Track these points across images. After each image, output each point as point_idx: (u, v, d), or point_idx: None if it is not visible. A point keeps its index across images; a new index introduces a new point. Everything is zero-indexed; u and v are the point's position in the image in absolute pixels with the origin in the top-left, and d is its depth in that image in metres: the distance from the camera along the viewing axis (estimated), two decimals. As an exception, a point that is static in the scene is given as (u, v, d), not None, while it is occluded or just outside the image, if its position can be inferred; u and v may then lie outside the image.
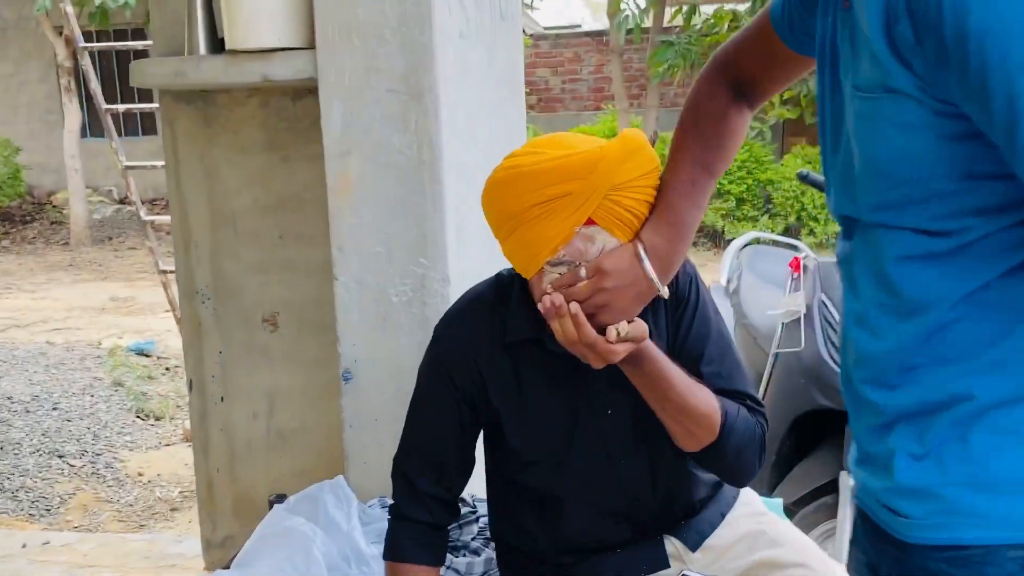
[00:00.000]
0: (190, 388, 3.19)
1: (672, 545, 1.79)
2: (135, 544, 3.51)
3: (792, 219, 10.24)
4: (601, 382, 1.67)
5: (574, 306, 1.47)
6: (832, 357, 2.65)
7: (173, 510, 4.02)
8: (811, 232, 10.04)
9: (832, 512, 2.67)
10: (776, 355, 2.83)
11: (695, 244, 9.77)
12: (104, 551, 3.46)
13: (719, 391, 1.64)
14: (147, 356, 6.14)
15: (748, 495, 1.92)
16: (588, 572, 1.75)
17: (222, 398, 3.17)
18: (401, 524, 1.78)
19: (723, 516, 1.83)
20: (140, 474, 4.33)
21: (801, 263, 2.84)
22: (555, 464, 1.73)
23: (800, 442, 2.86)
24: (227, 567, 2.05)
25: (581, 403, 1.70)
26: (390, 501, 2.25)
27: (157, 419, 5.01)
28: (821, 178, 2.78)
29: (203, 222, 3.08)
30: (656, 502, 1.77)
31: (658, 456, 1.75)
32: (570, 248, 1.47)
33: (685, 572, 1.72)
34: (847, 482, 2.61)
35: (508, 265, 1.71)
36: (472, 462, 1.82)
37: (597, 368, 1.52)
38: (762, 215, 10.43)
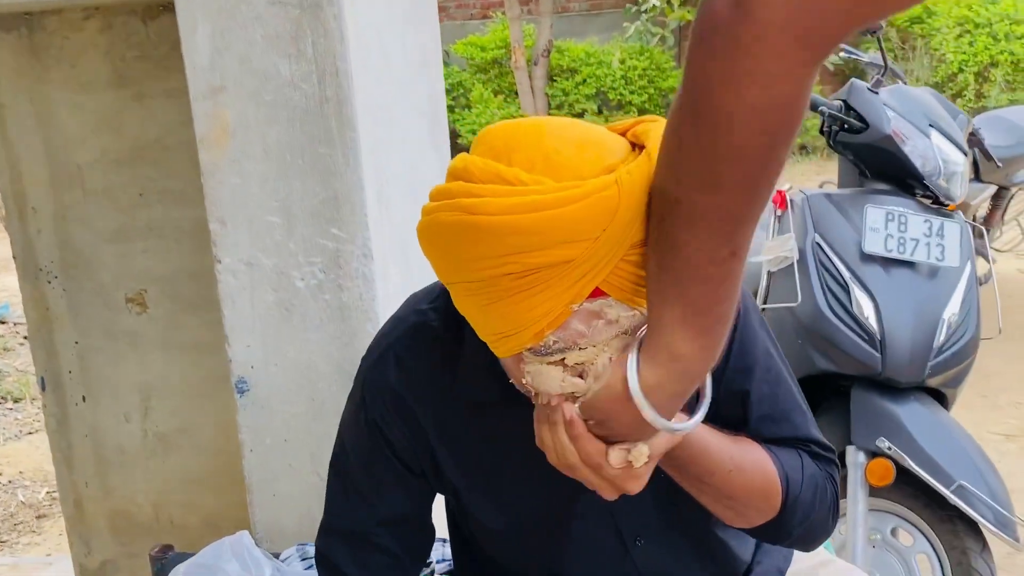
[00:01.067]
0: (43, 387, 2.59)
1: None
2: (-8, 572, 2.91)
3: (695, 128, 9.82)
4: None
5: (569, 409, 0.98)
6: (833, 310, 2.20)
7: (40, 517, 3.40)
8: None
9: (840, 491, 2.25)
10: (762, 310, 2.36)
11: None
12: (-47, 585, 2.85)
13: (774, 441, 1.20)
14: (2, 323, 5.37)
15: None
16: None
17: (84, 397, 2.58)
18: None
19: (782, 573, 1.36)
20: (-2, 473, 3.68)
21: (786, 197, 2.36)
22: (546, 550, 1.24)
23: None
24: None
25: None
26: (312, 550, 1.74)
27: (16, 401, 4.29)
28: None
29: (41, 181, 2.44)
30: None
31: (690, 531, 1.27)
32: (565, 332, 0.96)
33: None
34: (857, 459, 2.20)
35: None
36: (431, 533, 1.32)
37: (609, 499, 1.03)
38: (664, 125, 9.97)
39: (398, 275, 1.82)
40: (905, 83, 4.12)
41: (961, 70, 9.13)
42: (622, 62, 9.95)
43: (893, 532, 2.26)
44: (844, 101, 2.34)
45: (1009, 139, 4.58)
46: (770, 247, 2.33)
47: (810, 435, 1.25)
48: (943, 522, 2.16)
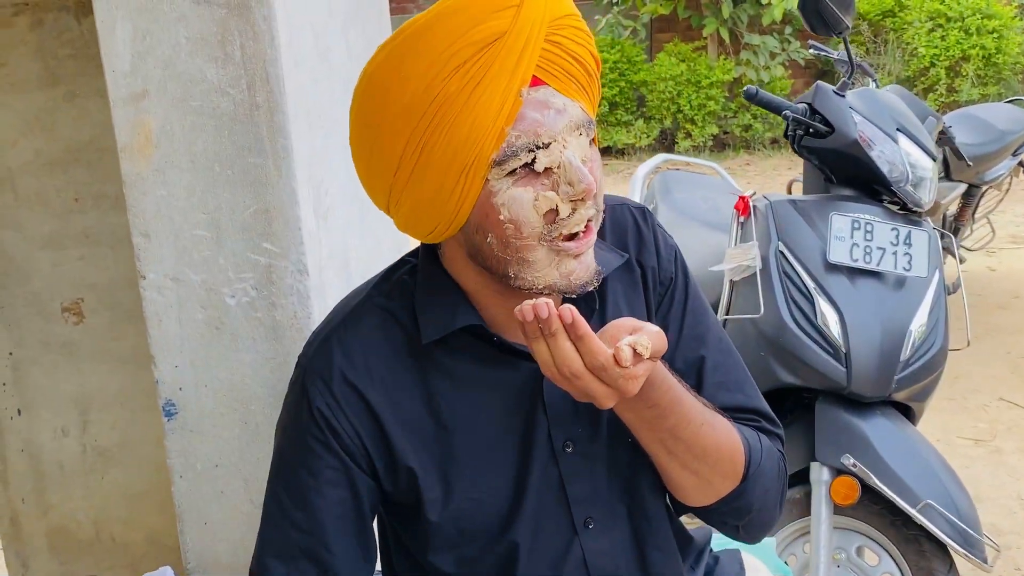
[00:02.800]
0: (-25, 400, 2.47)
1: None
2: (-73, 592, 2.78)
3: (668, 122, 9.73)
4: (557, 404, 1.14)
5: (568, 310, 0.96)
6: (797, 322, 2.13)
7: (-18, 531, 3.28)
8: (688, 135, 9.57)
9: (804, 509, 2.19)
10: (724, 321, 2.28)
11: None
12: None
13: (726, 409, 1.21)
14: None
15: (754, 568, 1.37)
16: None
17: (19, 411, 2.47)
18: None
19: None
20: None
21: (749, 204, 2.28)
22: (491, 544, 1.16)
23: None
24: None
25: (530, 441, 1.15)
26: (244, 585, 1.65)
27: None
28: (773, 97, 2.20)
29: (-31, 184, 2.32)
30: None
31: (643, 519, 1.21)
32: (522, 124, 1.01)
33: None
34: (821, 475, 2.13)
35: (397, 238, 1.35)
36: (374, 553, 1.22)
37: (605, 407, 1.01)
38: (636, 119, 9.89)
39: (338, 289, 1.72)
40: (876, 80, 4.05)
41: (933, 64, 9.11)
42: (594, 55, 9.85)
43: (858, 551, 2.20)
44: (809, 104, 2.26)
45: (980, 137, 4.54)
46: (732, 255, 2.25)
47: (761, 407, 1.27)
48: (909, 542, 2.10)
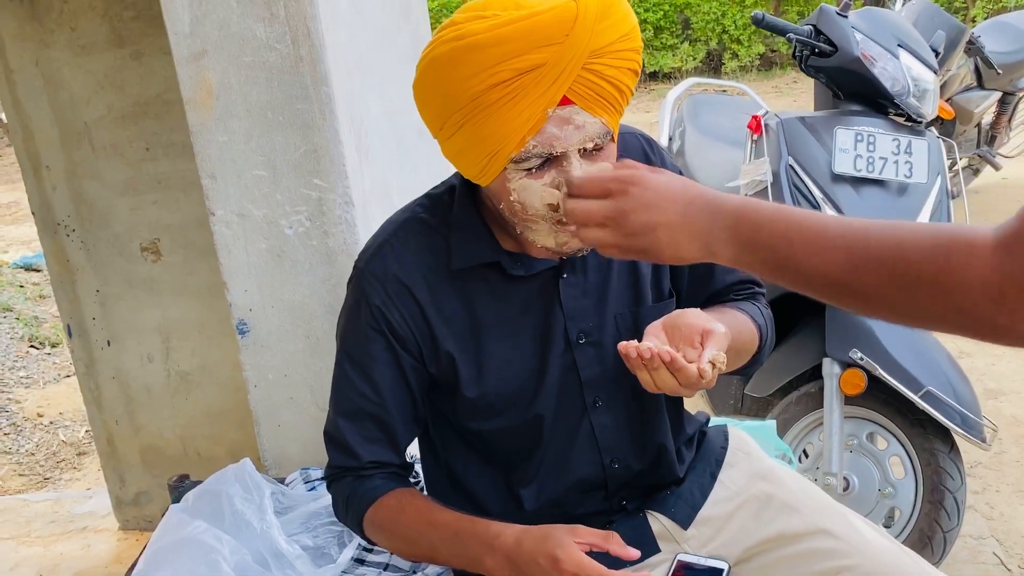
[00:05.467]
0: (69, 334, 2.77)
1: (659, 523, 1.45)
2: (38, 506, 3.12)
3: (714, 43, 9.74)
4: (574, 304, 1.36)
5: (667, 352, 1.16)
6: (806, 231, 2.29)
7: (80, 454, 3.61)
8: (735, 55, 9.58)
9: (816, 402, 2.38)
10: (740, 232, 2.46)
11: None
12: (2, 518, 3.06)
13: (731, 284, 1.49)
14: (38, 271, 5.56)
15: (739, 439, 1.58)
16: None
17: (108, 342, 2.76)
18: (350, 480, 1.41)
19: (714, 477, 1.50)
20: (40, 415, 3.87)
21: (762, 122, 2.44)
22: (520, 415, 1.38)
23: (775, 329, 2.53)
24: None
25: (549, 335, 1.36)
26: (315, 472, 1.90)
27: (54, 346, 4.48)
28: (778, 20, 2.35)
29: (51, 140, 2.59)
30: (638, 464, 1.44)
31: (645, 399, 1.42)
32: (542, 136, 1.17)
33: (680, 557, 1.39)
34: (832, 370, 2.31)
35: (433, 171, 1.42)
36: (422, 421, 1.45)
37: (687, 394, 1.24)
38: (682, 42, 9.91)
39: (381, 218, 1.92)
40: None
41: (980, -30, 8.97)
42: (636, -21, 9.86)
43: (869, 437, 2.38)
44: (814, 26, 2.40)
45: (1011, 45, 4.57)
46: (746, 171, 2.42)
47: (753, 277, 1.49)
48: (914, 426, 2.28)
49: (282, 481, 1.86)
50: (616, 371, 1.38)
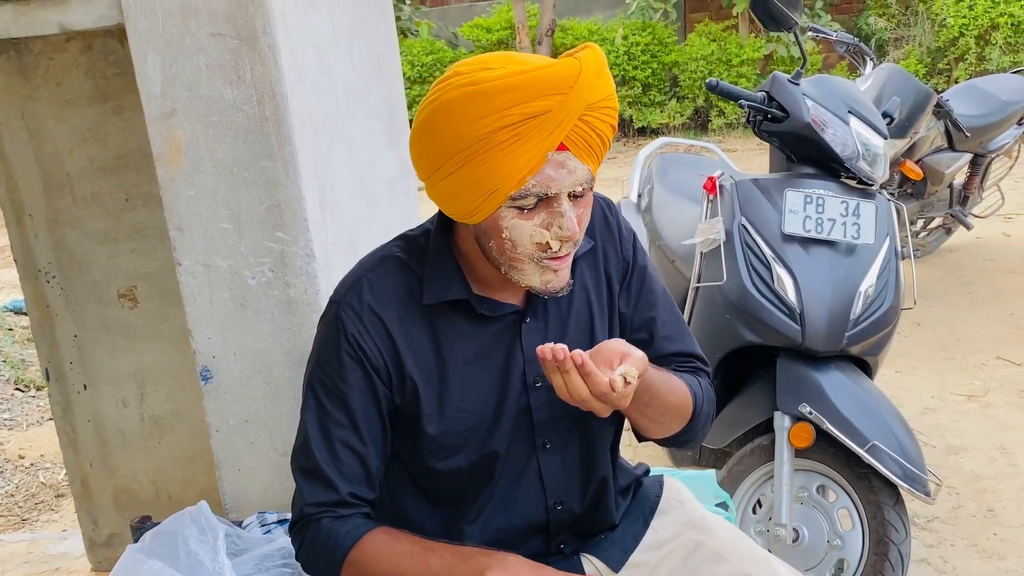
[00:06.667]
0: (47, 378, 2.83)
1: (592, 566, 1.53)
2: (14, 546, 3.17)
3: (700, 101, 9.93)
4: (534, 346, 1.42)
5: (579, 354, 1.27)
6: (756, 287, 2.39)
7: (59, 496, 3.65)
8: (721, 113, 9.76)
9: (768, 454, 2.44)
10: (696, 289, 2.55)
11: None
12: (-22, 558, 3.11)
13: (671, 355, 1.58)
14: (26, 315, 5.63)
15: (673, 488, 1.65)
16: None
17: (85, 386, 2.82)
18: (328, 521, 1.43)
19: (647, 524, 1.57)
20: (21, 456, 3.92)
21: (717, 183, 2.54)
22: (475, 452, 1.46)
23: (728, 382, 2.61)
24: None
25: (508, 376, 1.46)
26: (271, 517, 1.97)
27: (39, 389, 4.53)
28: (733, 87, 2.46)
29: (35, 189, 2.68)
30: (579, 507, 1.53)
31: (592, 445, 1.53)
32: (541, 177, 1.29)
33: None
34: (782, 423, 2.38)
35: (405, 223, 1.53)
36: (388, 457, 1.50)
37: (602, 416, 1.33)
38: (669, 99, 10.10)
39: (343, 270, 2.01)
40: (874, 61, 4.26)
41: (962, 34, 9.18)
42: (625, 38, 10.08)
43: (819, 490, 2.45)
44: (767, 92, 2.51)
45: (981, 108, 4.71)
46: (701, 230, 2.51)
47: (696, 351, 1.61)
48: (861, 479, 2.34)
49: (239, 524, 1.92)
50: (566, 416, 1.48)
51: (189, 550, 1.73)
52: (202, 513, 1.79)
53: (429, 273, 1.43)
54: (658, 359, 1.55)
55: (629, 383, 1.28)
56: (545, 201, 1.30)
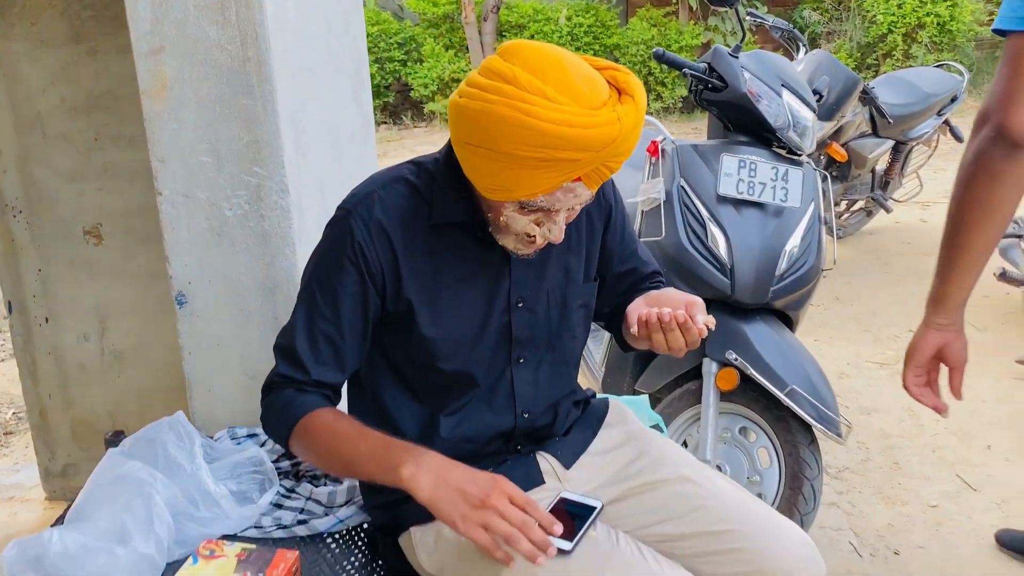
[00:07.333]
0: (9, 310, 2.92)
1: (546, 462, 1.71)
2: (-35, 477, 3.25)
3: (640, 84, 10.14)
4: (519, 273, 1.63)
5: (680, 315, 1.50)
6: (693, 245, 2.58)
7: (7, 434, 3.73)
8: (658, 97, 10.00)
9: (696, 398, 2.65)
10: (637, 244, 2.74)
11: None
12: (-70, 489, 3.18)
13: (647, 276, 1.84)
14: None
15: (617, 407, 1.85)
16: None
17: (47, 319, 2.92)
18: (291, 392, 1.60)
19: (595, 432, 1.76)
20: (-32, 395, 3.99)
21: (659, 147, 2.73)
22: (460, 361, 1.62)
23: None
24: (63, 514, 1.86)
25: (495, 296, 1.63)
26: (241, 431, 2.11)
27: (-3, 325, 4.61)
28: (678, 57, 2.64)
29: (6, 126, 2.77)
30: (542, 419, 1.72)
31: (559, 363, 1.72)
32: (550, 198, 1.44)
33: (564, 495, 1.64)
34: (710, 368, 2.59)
35: (367, 173, 1.62)
36: (364, 356, 1.66)
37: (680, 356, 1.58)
38: (610, 81, 10.28)
39: (314, 208, 2.17)
40: (805, 46, 4.49)
41: (890, 31, 9.54)
42: (568, 19, 10.25)
43: (741, 431, 2.66)
44: (708, 64, 2.71)
45: (904, 98, 4.97)
46: (643, 189, 2.71)
47: (658, 268, 1.89)
48: (780, 421, 2.56)
49: (211, 438, 2.06)
50: (540, 336, 1.67)
51: (168, 454, 1.86)
52: (179, 422, 1.93)
53: (439, 195, 1.57)
54: (639, 281, 1.79)
55: (711, 329, 1.53)
56: (546, 211, 1.48)
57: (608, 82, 1.41)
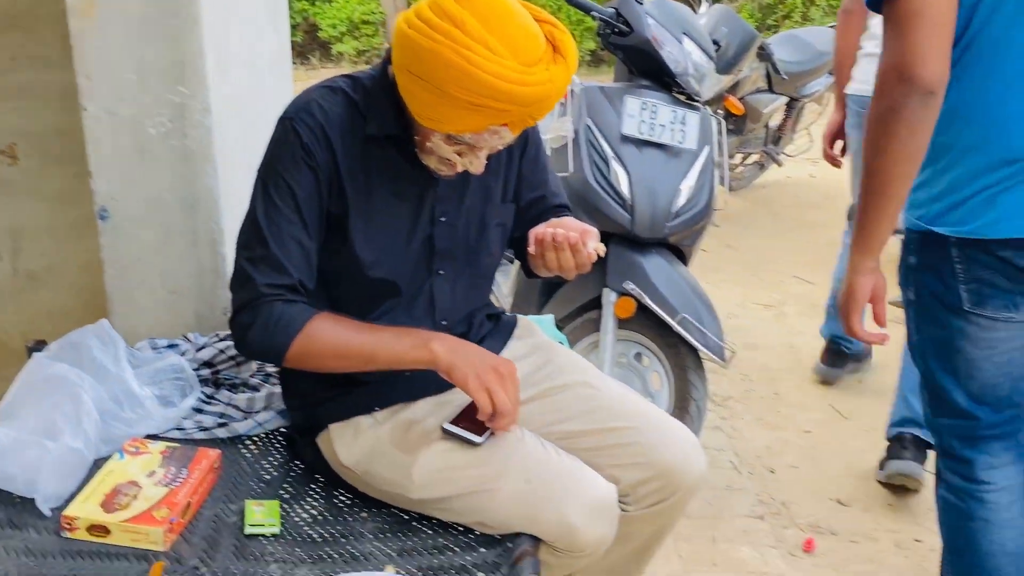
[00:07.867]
0: (-81, 228, 2.91)
1: None
2: None
3: (548, 35, 10.23)
4: (443, 190, 1.73)
5: (574, 237, 1.62)
6: (597, 181, 2.74)
7: (-91, 357, 3.71)
8: (567, 49, 10.11)
9: (596, 326, 2.82)
10: (543, 179, 2.89)
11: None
12: None
13: (556, 207, 1.92)
14: None
15: (525, 322, 1.99)
16: (379, 392, 1.76)
17: (-42, 238, 2.91)
18: (280, 304, 1.62)
19: (505, 343, 1.90)
20: None
21: (569, 88, 2.87)
22: (386, 271, 1.72)
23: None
24: (-15, 419, 1.93)
25: (420, 209, 1.73)
26: (161, 342, 2.19)
27: None
28: (587, 1, 2.77)
29: (-83, 44, 2.73)
30: (458, 328, 1.84)
31: (476, 277, 1.84)
32: (476, 136, 1.56)
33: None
34: (609, 297, 2.76)
35: (282, 104, 1.67)
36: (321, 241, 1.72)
37: (571, 278, 1.73)
38: (519, 31, 10.34)
39: (235, 129, 2.25)
40: (708, 0, 4.66)
41: (791, -7, 9.84)
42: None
43: (636, 356, 2.86)
44: (616, 8, 2.85)
45: (799, 56, 5.20)
46: (552, 127, 2.85)
47: (567, 201, 1.98)
48: (671, 347, 2.76)
49: (132, 348, 2.15)
50: (459, 250, 1.79)
51: (93, 358, 1.94)
52: (104, 328, 2.01)
53: (374, 108, 1.66)
54: (547, 210, 1.90)
55: (601, 256, 1.64)
56: (470, 146, 1.59)
57: (544, 36, 1.51)
